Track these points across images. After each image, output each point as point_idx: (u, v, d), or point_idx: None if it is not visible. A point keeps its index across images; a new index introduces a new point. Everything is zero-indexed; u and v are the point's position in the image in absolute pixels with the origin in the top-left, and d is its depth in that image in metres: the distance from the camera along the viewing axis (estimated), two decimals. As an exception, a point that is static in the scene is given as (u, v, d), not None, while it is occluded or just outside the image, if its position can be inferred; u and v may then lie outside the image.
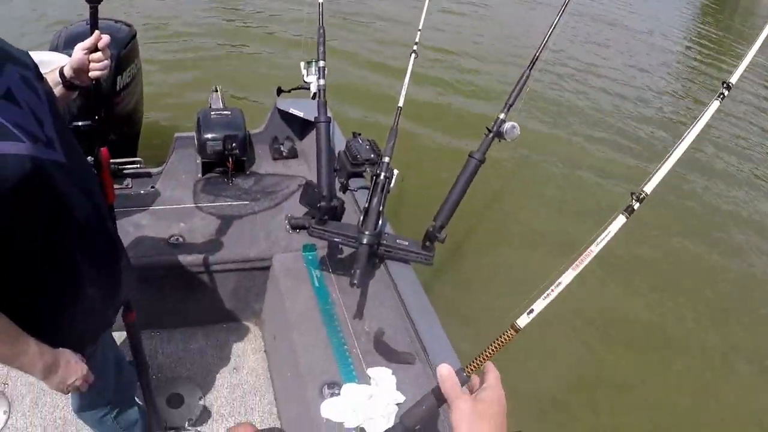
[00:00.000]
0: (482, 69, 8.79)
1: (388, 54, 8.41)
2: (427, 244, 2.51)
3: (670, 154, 1.22)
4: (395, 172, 2.64)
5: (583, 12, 12.57)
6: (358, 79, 7.53)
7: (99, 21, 1.70)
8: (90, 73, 1.66)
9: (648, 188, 1.17)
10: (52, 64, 1.68)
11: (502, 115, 2.39)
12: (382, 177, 2.55)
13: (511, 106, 2.41)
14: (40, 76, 1.46)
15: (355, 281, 2.20)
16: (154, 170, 3.25)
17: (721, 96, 1.52)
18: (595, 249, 1.11)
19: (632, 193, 1.18)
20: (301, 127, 3.69)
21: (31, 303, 1.44)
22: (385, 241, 2.51)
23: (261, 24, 9.28)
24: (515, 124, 2.38)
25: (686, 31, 14.84)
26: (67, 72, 1.66)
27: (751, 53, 1.62)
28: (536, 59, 2.43)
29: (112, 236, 1.74)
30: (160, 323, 3.09)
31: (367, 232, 2.40)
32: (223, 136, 3.17)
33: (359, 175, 3.12)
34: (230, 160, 3.23)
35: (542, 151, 6.64)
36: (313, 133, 3.54)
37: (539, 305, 1.06)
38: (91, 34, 1.64)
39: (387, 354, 2.37)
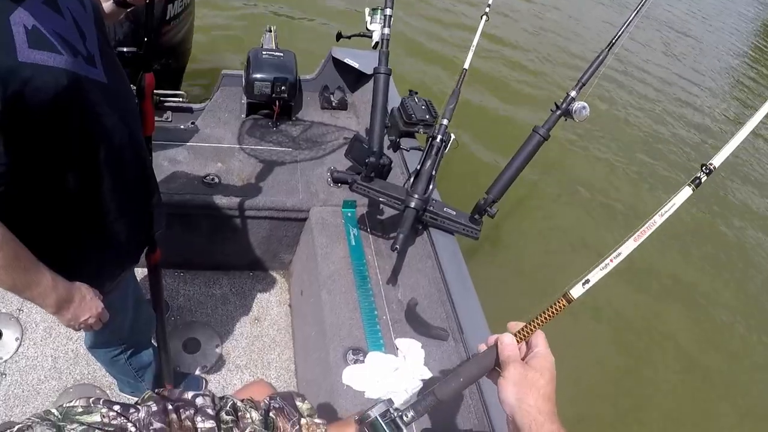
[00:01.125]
0: (553, 51, 8.39)
1: (456, 14, 8.08)
2: (476, 217, 2.35)
3: (742, 129, 1.10)
4: (452, 136, 2.47)
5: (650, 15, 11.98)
6: (421, 36, 7.21)
7: None
8: None
9: (716, 161, 1.06)
10: None
11: (573, 93, 2.20)
12: (438, 140, 2.38)
13: (583, 84, 2.22)
14: None
15: (398, 245, 2.05)
16: (196, 106, 3.11)
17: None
18: (659, 220, 1.02)
19: (702, 165, 1.06)
20: (355, 78, 3.52)
21: (50, 229, 1.33)
22: (432, 208, 2.35)
23: None
24: (586, 104, 2.19)
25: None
26: None
27: None
28: (616, 40, 2.22)
29: (147, 170, 1.62)
30: (185, 264, 3.00)
31: (415, 196, 2.24)
32: (273, 77, 3.01)
33: (411, 135, 2.95)
34: (277, 103, 3.08)
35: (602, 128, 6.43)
36: (366, 86, 3.40)
37: (596, 276, 0.98)
38: None
39: (419, 326, 2.24)
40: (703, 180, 1.06)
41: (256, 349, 2.83)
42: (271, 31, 3.87)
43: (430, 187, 2.31)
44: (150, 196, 1.65)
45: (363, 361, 2.12)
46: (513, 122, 5.94)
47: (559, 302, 0.98)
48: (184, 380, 2.59)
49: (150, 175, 1.65)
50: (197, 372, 2.68)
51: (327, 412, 2.04)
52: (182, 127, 2.98)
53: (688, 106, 7.97)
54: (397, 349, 2.20)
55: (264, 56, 3.10)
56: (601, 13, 10.43)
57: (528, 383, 0.93)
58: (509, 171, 2.26)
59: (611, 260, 0.98)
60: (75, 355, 2.59)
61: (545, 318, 0.99)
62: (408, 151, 2.88)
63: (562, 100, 2.23)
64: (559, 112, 2.22)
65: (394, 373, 2.08)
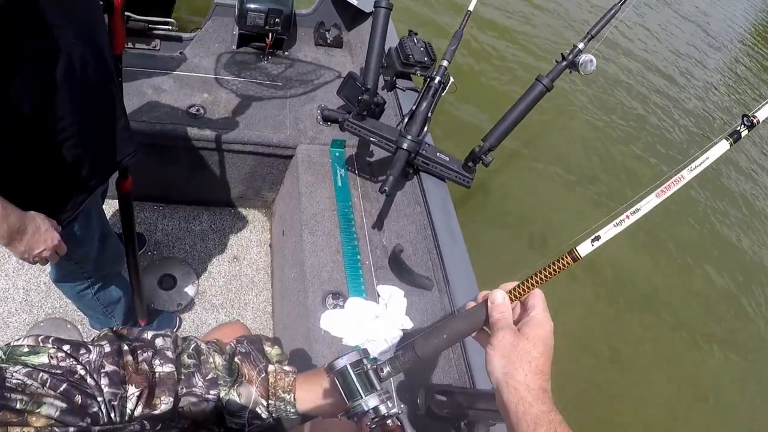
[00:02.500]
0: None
1: None
2: (470, 164, 2.23)
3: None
4: (451, 79, 2.34)
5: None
6: None
7: None
8: None
9: (761, 115, 0.93)
10: None
11: (581, 45, 2.07)
12: (436, 81, 2.24)
13: (593, 37, 2.09)
14: None
15: (386, 188, 1.94)
16: (185, 35, 2.96)
17: None
18: (687, 175, 0.90)
19: (744, 116, 0.95)
20: (353, 17, 3.37)
21: None
22: (424, 152, 2.24)
23: None
24: (593, 57, 2.06)
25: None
26: None
27: None
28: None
29: (112, 91, 1.48)
30: (164, 197, 2.90)
31: (408, 137, 2.12)
32: (267, 8, 2.86)
33: (407, 77, 2.82)
34: (270, 36, 2.93)
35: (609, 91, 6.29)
36: (364, 26, 3.27)
37: (608, 233, 0.87)
38: None
39: (402, 274, 2.16)
40: (743, 134, 0.94)
41: (233, 289, 2.75)
42: (268, -41, 3.68)
43: (424, 129, 2.19)
44: (114, 121, 1.53)
45: (343, 307, 2.05)
46: (519, 70, 5.78)
47: (563, 259, 0.87)
48: (158, 317, 2.50)
49: (117, 96, 1.52)
50: (172, 309, 2.60)
51: (301, 359, 1.98)
52: (169, 55, 2.84)
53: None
54: (379, 296, 2.12)
55: (260, -14, 2.94)
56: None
57: (518, 355, 0.83)
58: (508, 119, 2.14)
59: (627, 216, 0.87)
60: (47, 288, 2.50)
61: (545, 276, 0.88)
62: (404, 91, 2.75)
63: (569, 51, 2.11)
64: (564, 63, 2.09)
65: (374, 321, 2.01)
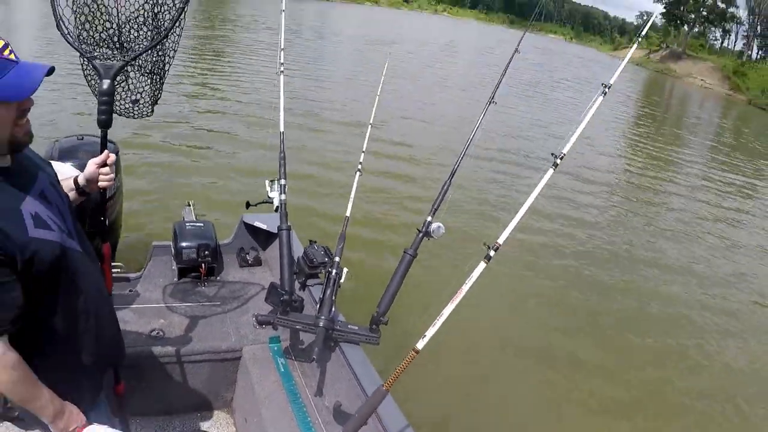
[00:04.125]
0: (416, 180, 10.04)
1: (335, 175, 9.29)
2: (374, 327, 2.99)
3: (520, 210, 1.75)
4: (345, 270, 3.15)
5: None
6: (313, 196, 8.35)
7: (87, 138, 2.16)
8: (99, 184, 2.14)
9: (501, 239, 1.66)
10: (62, 173, 2.09)
11: (429, 218, 2.96)
12: (333, 273, 3.06)
13: (436, 210, 2.98)
14: (58, 181, 1.94)
15: (314, 356, 2.67)
16: (132, 275, 3.71)
17: (554, 165, 2.27)
18: (465, 288, 1.59)
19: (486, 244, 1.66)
20: (265, 238, 4.22)
21: (43, 357, 1.78)
22: (338, 327, 2.98)
23: (230, 149, 10.20)
24: (441, 224, 2.94)
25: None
26: (81, 181, 2.13)
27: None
28: (455, 172, 3.03)
29: (112, 308, 2.14)
30: (138, 410, 3.36)
31: (323, 317, 2.88)
32: (197, 244, 3.68)
33: (315, 276, 3.61)
34: (203, 266, 3.72)
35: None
36: (274, 243, 4.09)
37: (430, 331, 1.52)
38: (101, 152, 2.14)
39: (344, 421, 2.78)
40: (492, 255, 1.69)
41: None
42: (190, 205, 4.58)
43: (333, 309, 2.97)
44: (118, 330, 2.15)
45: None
46: (390, 246, 7.08)
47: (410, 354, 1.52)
48: None
49: (115, 320, 2.15)
50: None
51: None
52: (124, 293, 3.53)
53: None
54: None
55: (188, 227, 3.79)
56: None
57: None
58: (391, 288, 2.95)
59: (437, 320, 1.53)
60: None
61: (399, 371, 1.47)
62: (313, 286, 3.54)
63: (422, 224, 2.97)
64: (421, 234, 2.96)
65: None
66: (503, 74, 3.26)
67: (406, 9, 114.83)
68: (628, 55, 3.02)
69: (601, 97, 2.40)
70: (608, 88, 2.41)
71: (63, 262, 1.73)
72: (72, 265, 1.78)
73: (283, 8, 3.94)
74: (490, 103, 3.13)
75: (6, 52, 1.55)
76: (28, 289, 1.63)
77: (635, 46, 3.21)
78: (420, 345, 1.53)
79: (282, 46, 3.77)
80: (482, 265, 1.65)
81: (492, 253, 1.70)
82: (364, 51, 28.26)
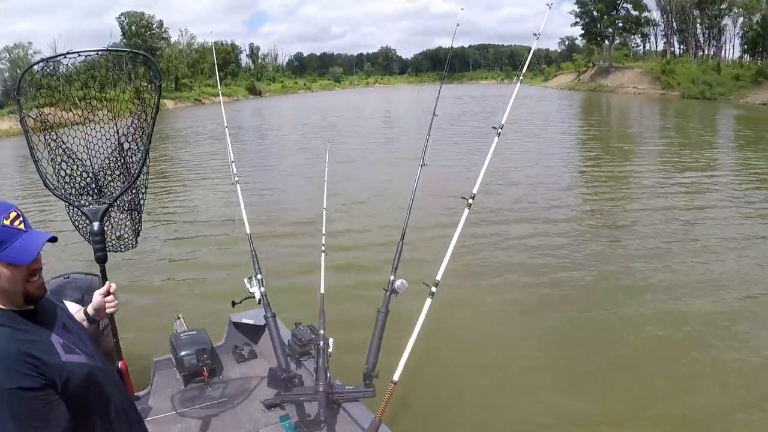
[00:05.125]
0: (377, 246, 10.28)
1: (306, 258, 9.69)
2: (367, 382, 3.36)
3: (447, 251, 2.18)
4: (330, 340, 3.55)
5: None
6: (289, 284, 8.65)
7: (72, 276, 2.51)
8: (107, 311, 2.50)
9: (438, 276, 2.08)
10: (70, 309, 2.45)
11: (392, 277, 3.39)
12: (321, 344, 3.46)
13: (396, 268, 3.42)
14: (71, 315, 2.30)
15: (321, 418, 3.03)
16: (141, 393, 4.01)
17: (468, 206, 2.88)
18: (420, 322, 1.99)
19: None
20: (254, 331, 4.61)
21: None
22: (336, 390, 3.35)
23: (208, 253, 10.63)
24: (403, 280, 3.37)
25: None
26: (90, 311, 2.48)
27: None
28: (405, 232, 3.49)
29: (138, 412, 2.43)
30: None
31: (321, 383, 3.27)
32: (195, 350, 4.04)
33: (307, 353, 3.99)
34: (205, 369, 4.06)
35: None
36: (266, 334, 4.45)
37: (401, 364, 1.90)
38: (103, 284, 2.50)
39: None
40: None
41: None
42: (179, 318, 4.95)
43: (328, 375, 3.35)
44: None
45: None
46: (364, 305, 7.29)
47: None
48: None
49: (142, 421, 2.41)
50: None
51: None
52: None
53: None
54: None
55: (183, 337, 4.16)
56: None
57: None
58: (374, 345, 3.35)
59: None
60: None
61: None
62: (306, 360, 3.91)
63: (387, 284, 3.41)
64: (388, 292, 3.39)
65: None
66: (427, 138, 3.80)
67: (339, 89, 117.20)
68: (514, 93, 3.52)
69: (496, 138, 2.94)
70: (501, 128, 2.94)
71: (92, 379, 2.05)
72: (98, 380, 2.09)
73: (226, 125, 4.44)
74: (421, 166, 3.62)
75: (17, 223, 1.90)
76: (68, 407, 1.91)
77: (518, 85, 3.70)
78: (396, 377, 1.87)
79: (232, 159, 4.24)
80: (428, 301, 2.04)
81: (434, 289, 2.11)
82: (308, 139, 28.82)
